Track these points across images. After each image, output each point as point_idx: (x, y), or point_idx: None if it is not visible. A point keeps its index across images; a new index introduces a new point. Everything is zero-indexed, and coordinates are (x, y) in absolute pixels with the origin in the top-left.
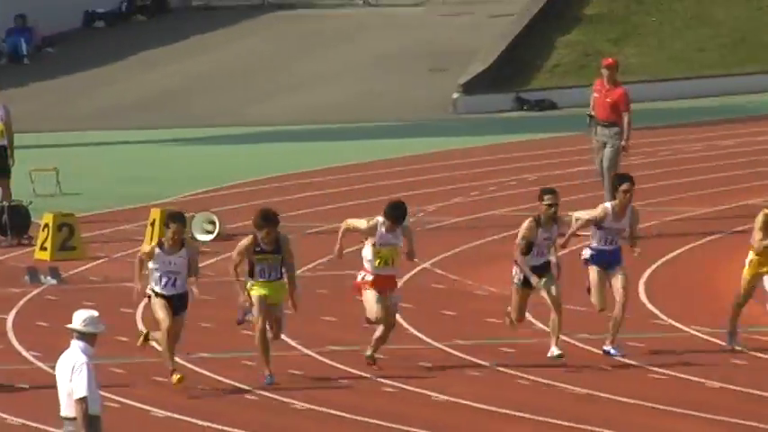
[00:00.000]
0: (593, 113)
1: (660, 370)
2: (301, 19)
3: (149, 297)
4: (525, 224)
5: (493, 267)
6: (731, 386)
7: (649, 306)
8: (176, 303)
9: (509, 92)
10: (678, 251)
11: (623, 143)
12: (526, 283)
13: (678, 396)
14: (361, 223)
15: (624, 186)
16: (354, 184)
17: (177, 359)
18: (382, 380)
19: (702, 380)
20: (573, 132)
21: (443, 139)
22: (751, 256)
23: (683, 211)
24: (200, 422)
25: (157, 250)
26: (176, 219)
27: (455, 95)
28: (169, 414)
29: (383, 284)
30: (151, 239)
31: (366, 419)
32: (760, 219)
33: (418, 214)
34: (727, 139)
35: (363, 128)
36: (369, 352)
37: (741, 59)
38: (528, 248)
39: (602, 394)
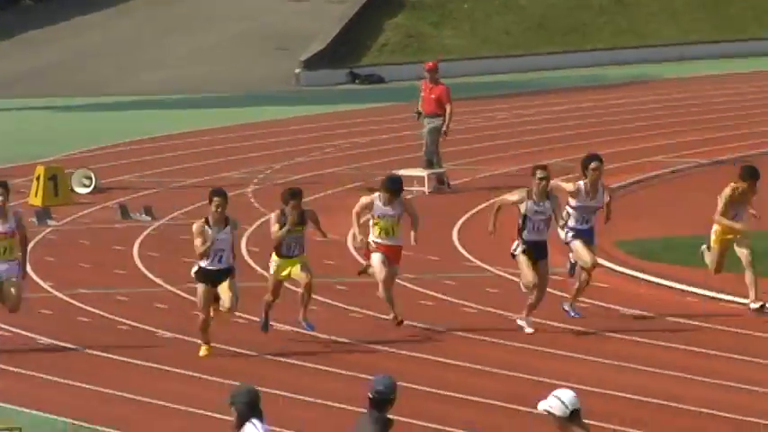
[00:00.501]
0: (420, 110)
1: (472, 304)
2: (168, 3)
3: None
4: (516, 195)
5: (331, 217)
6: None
7: (461, 250)
8: (220, 276)
9: (343, 68)
10: (485, 204)
11: (444, 129)
12: (527, 252)
13: (487, 322)
14: (363, 201)
15: (593, 165)
16: (213, 145)
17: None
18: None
19: (506, 312)
20: (397, 102)
21: (288, 107)
22: (714, 227)
23: (491, 170)
24: (78, 347)
25: (206, 227)
26: (219, 193)
27: (297, 71)
28: (53, 342)
29: (385, 253)
30: (36, 193)
31: (219, 345)
32: (726, 192)
33: (266, 171)
34: (527, 109)
35: (221, 98)
36: (391, 315)
37: (541, 42)
38: (523, 221)
39: (417, 324)
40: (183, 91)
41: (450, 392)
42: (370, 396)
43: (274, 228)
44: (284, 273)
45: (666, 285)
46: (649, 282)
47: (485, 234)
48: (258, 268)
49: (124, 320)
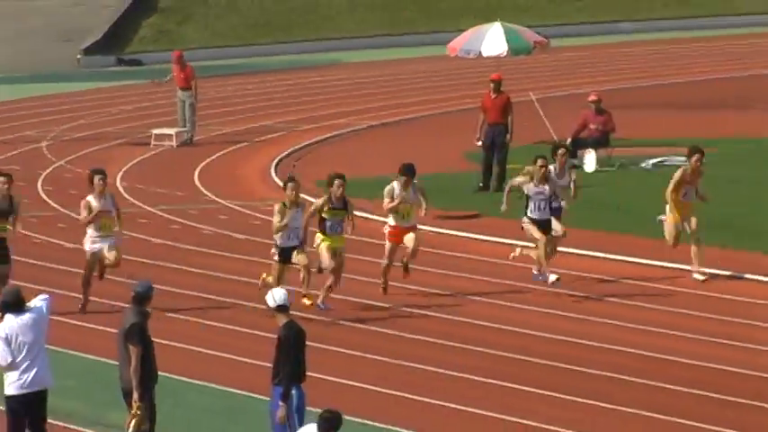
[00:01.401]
0: (166, 80)
1: (208, 227)
2: None
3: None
4: (519, 178)
5: (109, 165)
6: (253, 237)
7: (200, 187)
8: (289, 254)
9: (113, 54)
10: (217, 154)
11: (195, 99)
12: (535, 222)
13: (222, 242)
14: (387, 192)
15: (560, 151)
16: (15, 111)
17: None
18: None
19: (233, 233)
20: (146, 80)
21: (72, 84)
22: (668, 206)
23: (221, 129)
24: None
25: (287, 210)
26: (293, 179)
27: (79, 56)
28: None
29: (401, 234)
30: None
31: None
32: (677, 175)
33: (56, 130)
34: (248, 85)
35: (19, 77)
36: (405, 260)
37: (258, 35)
38: (527, 201)
39: (164, 240)
40: None
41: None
42: (133, 294)
43: (315, 206)
44: (332, 244)
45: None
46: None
47: (218, 176)
48: (51, 202)
49: None
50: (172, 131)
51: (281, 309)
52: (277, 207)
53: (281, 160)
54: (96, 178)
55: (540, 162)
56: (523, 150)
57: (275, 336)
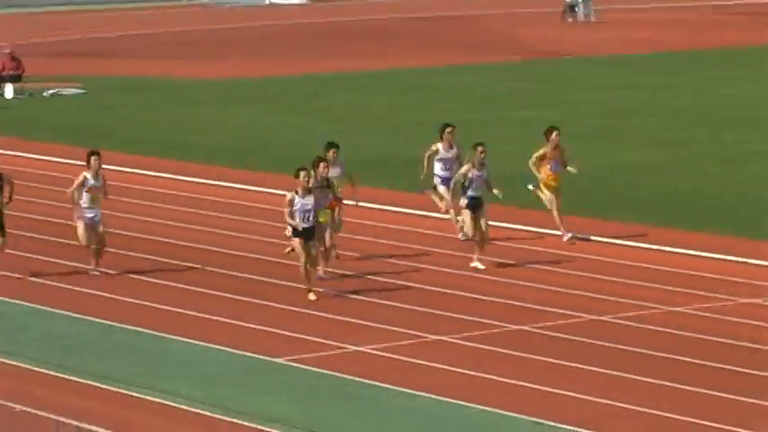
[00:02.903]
0: None
1: None
2: None
3: (290, 235)
4: (465, 167)
5: None
6: None
7: None
8: (309, 233)
9: None
10: None
11: None
12: (471, 208)
13: None
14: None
15: (448, 129)
16: None
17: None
18: None
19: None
20: None
21: None
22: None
23: None
24: None
25: (296, 197)
26: (304, 168)
27: None
28: None
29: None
30: None
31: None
32: (539, 152)
33: None
34: None
35: None
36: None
37: None
38: (468, 184)
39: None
40: None
41: None
42: None
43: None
44: (321, 219)
45: None
46: None
47: None
48: None
49: None
50: None
51: None
52: (289, 196)
53: None
54: (92, 159)
55: (480, 149)
56: None
57: None
